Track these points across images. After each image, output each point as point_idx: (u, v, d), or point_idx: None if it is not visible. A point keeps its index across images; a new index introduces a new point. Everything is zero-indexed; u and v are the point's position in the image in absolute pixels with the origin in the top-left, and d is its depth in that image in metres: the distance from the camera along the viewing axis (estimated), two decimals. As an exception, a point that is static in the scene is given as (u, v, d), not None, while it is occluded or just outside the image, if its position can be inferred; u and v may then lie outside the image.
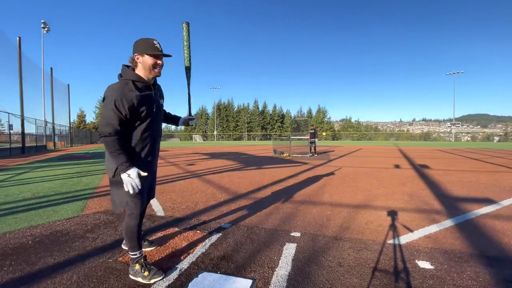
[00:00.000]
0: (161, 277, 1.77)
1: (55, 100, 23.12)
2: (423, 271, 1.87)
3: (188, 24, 2.15)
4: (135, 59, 1.68)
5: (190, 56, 2.17)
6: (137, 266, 1.78)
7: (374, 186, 4.97)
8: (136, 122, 1.69)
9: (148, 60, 1.66)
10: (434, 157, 11.83)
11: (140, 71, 1.70)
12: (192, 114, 2.27)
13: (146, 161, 1.80)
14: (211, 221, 2.97)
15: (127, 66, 1.73)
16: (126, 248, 2.19)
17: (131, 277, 1.79)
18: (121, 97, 1.58)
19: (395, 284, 1.72)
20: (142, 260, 1.80)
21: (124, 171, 1.60)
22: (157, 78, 1.82)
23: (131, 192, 1.64)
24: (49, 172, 7.08)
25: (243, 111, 74.97)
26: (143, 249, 2.16)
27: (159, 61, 1.70)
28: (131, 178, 1.61)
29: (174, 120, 2.24)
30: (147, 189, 1.87)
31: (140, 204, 1.79)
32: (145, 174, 1.67)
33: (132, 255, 1.82)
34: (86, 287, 1.67)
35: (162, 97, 1.94)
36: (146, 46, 1.66)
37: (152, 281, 1.73)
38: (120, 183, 1.69)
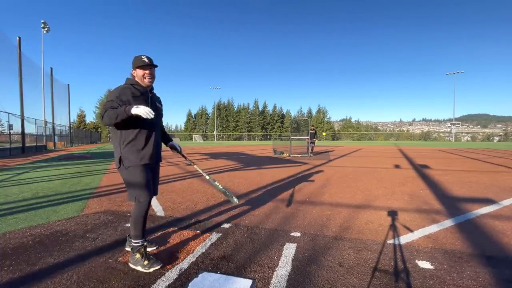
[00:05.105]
0: (159, 266, 1.88)
1: (55, 100, 23.13)
2: (423, 271, 1.87)
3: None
4: (132, 73, 2.03)
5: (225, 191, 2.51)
6: (138, 255, 1.90)
7: (374, 186, 4.97)
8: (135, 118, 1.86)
9: (139, 72, 1.98)
10: (434, 157, 11.83)
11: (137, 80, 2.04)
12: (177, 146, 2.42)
13: (147, 151, 1.98)
14: (211, 221, 2.97)
15: (129, 78, 2.06)
16: (129, 249, 2.19)
17: (131, 265, 1.91)
18: (120, 93, 1.88)
19: (395, 284, 1.72)
20: (143, 249, 1.92)
21: (130, 109, 1.74)
22: (153, 87, 2.12)
23: (149, 116, 1.75)
24: (49, 172, 7.08)
25: (243, 111, 74.96)
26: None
27: (147, 71, 1.98)
28: (139, 108, 1.75)
29: (165, 137, 2.38)
30: (152, 180, 2.05)
31: (149, 192, 1.97)
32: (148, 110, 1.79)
33: (135, 243, 1.94)
34: (86, 287, 1.67)
35: (159, 102, 2.22)
36: (136, 62, 1.98)
37: (151, 269, 1.85)
38: (127, 174, 1.93)
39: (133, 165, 1.91)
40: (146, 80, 1.99)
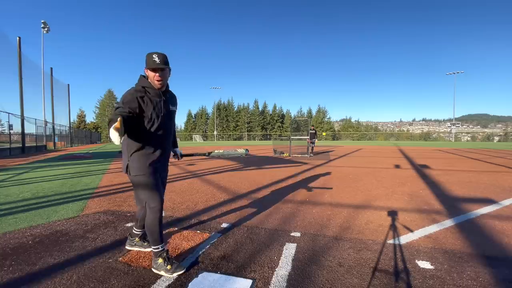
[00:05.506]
0: (183, 271, 1.83)
1: (55, 100, 23.14)
2: (423, 271, 1.87)
3: None
4: (145, 71, 1.86)
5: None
6: (160, 260, 1.84)
7: (374, 186, 4.97)
8: (146, 120, 1.80)
9: (150, 73, 1.82)
10: (434, 157, 11.83)
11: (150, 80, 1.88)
12: (178, 153, 2.36)
13: (155, 161, 1.89)
14: (211, 221, 2.97)
15: (144, 76, 1.89)
16: (129, 248, 2.19)
17: (154, 270, 1.85)
18: (129, 99, 1.74)
19: (395, 284, 1.71)
20: (165, 254, 1.87)
21: (110, 127, 1.48)
22: (169, 84, 1.97)
23: (113, 140, 1.46)
24: (49, 172, 7.08)
25: (243, 111, 74.96)
26: (144, 250, 2.18)
27: (157, 74, 1.80)
28: (109, 130, 1.46)
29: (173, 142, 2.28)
30: (161, 185, 1.99)
31: (159, 198, 1.89)
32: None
33: (155, 248, 1.88)
34: (86, 287, 1.67)
35: (174, 104, 2.05)
36: (148, 62, 1.80)
37: (175, 274, 1.80)
38: (135, 181, 1.87)
39: (139, 174, 1.84)
40: (156, 83, 1.82)
